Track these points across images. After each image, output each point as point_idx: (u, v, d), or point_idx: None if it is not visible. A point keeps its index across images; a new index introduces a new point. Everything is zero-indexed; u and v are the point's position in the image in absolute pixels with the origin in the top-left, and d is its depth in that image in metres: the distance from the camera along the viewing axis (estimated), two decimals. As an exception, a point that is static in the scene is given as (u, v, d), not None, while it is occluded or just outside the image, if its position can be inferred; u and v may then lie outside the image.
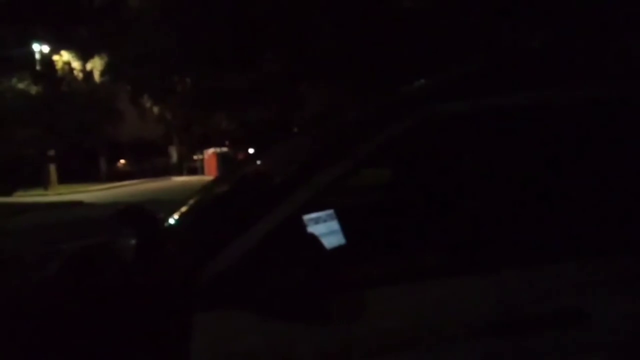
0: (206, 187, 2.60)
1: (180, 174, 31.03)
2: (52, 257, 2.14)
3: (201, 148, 31.31)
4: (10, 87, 20.27)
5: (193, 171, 31.10)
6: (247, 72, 13.43)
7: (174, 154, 34.03)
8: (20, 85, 20.51)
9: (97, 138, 26.47)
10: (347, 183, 1.64)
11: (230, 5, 11.50)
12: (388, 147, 1.65)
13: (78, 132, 23.06)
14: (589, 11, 7.39)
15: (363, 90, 11.36)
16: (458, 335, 1.44)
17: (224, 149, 30.54)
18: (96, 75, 18.53)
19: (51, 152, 24.72)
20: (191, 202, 2.37)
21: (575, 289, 1.50)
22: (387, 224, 1.92)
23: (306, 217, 1.73)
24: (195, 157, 32.70)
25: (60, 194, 21.58)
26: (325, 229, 1.82)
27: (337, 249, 1.77)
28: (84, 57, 18.90)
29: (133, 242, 1.81)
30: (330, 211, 1.88)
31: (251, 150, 22.13)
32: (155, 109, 20.94)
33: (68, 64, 20.18)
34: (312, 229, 1.72)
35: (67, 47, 19.68)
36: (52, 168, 25.19)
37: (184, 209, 2.29)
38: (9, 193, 19.43)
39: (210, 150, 30.33)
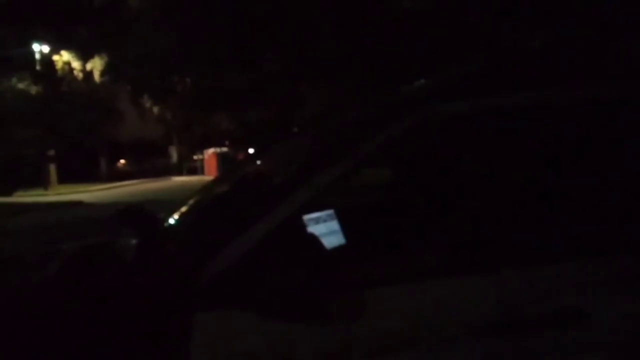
0: (206, 187, 2.61)
1: (180, 174, 30.99)
2: (52, 257, 2.14)
3: (201, 148, 31.29)
4: (10, 87, 20.26)
5: (193, 171, 31.05)
6: (247, 72, 13.43)
7: (174, 154, 34.01)
8: (20, 85, 20.50)
9: (97, 138, 26.46)
10: (347, 183, 1.64)
11: (230, 5, 11.50)
12: (388, 147, 1.65)
13: (78, 132, 23.03)
14: (588, 11, 7.39)
15: (363, 90, 11.36)
16: (458, 335, 1.44)
17: (224, 149, 30.50)
18: (96, 75, 18.53)
19: (51, 152, 24.68)
20: (191, 202, 2.37)
21: (575, 289, 1.50)
22: (387, 224, 1.91)
23: (306, 217, 1.72)
24: (195, 157, 32.64)
25: (60, 194, 21.54)
26: (325, 229, 1.82)
27: (337, 249, 1.76)
28: (84, 57, 18.91)
29: (133, 242, 1.82)
30: (330, 211, 1.87)
31: (251, 150, 22.08)
32: (155, 109, 20.97)
33: (68, 64, 20.18)
34: (312, 229, 1.72)
35: (67, 47, 19.69)
36: (52, 168, 25.16)
37: (184, 209, 2.29)
38: (9, 193, 19.42)
39: (210, 150, 30.31)
